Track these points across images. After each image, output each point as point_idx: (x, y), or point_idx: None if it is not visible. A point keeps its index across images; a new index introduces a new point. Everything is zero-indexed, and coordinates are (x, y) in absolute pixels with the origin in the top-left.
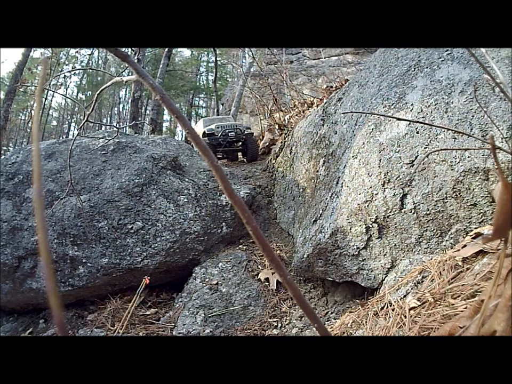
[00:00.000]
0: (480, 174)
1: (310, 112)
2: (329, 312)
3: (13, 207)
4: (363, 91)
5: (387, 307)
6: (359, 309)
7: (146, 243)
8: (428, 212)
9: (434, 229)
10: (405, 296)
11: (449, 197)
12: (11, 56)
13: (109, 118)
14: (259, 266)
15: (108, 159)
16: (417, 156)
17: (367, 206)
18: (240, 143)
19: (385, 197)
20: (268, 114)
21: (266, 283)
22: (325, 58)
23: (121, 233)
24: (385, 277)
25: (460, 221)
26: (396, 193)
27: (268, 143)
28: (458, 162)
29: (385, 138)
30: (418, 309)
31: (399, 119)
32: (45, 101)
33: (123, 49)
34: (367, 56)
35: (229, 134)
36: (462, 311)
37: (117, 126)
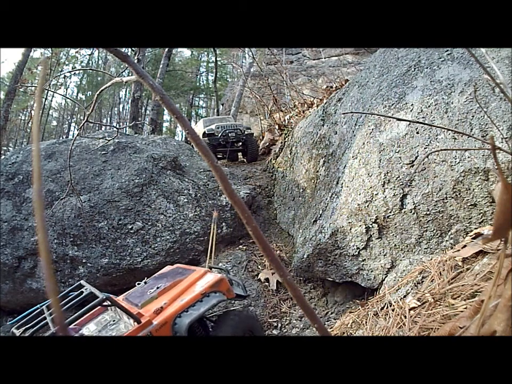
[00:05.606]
0: (480, 174)
1: (310, 112)
2: (329, 312)
3: (13, 207)
4: (363, 91)
5: (387, 307)
6: (359, 309)
7: (146, 243)
8: (428, 212)
9: (434, 229)
10: (405, 296)
11: (449, 197)
12: (11, 56)
13: (109, 118)
14: (259, 267)
15: (108, 159)
16: (417, 156)
17: (367, 206)
18: (240, 143)
19: (385, 197)
20: (268, 114)
21: (266, 283)
22: (325, 58)
23: (121, 233)
24: (385, 277)
25: (459, 221)
26: (396, 194)
27: (268, 143)
28: (458, 162)
29: (385, 139)
30: (418, 309)
31: (399, 119)
32: (45, 101)
33: (123, 49)
34: (367, 56)
35: (229, 134)
36: (462, 311)
37: (117, 126)
